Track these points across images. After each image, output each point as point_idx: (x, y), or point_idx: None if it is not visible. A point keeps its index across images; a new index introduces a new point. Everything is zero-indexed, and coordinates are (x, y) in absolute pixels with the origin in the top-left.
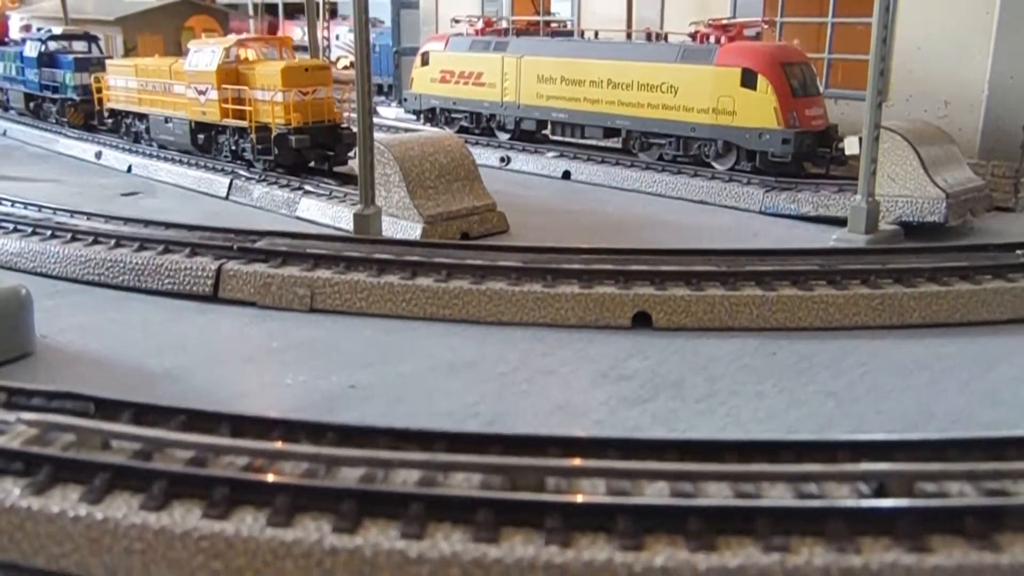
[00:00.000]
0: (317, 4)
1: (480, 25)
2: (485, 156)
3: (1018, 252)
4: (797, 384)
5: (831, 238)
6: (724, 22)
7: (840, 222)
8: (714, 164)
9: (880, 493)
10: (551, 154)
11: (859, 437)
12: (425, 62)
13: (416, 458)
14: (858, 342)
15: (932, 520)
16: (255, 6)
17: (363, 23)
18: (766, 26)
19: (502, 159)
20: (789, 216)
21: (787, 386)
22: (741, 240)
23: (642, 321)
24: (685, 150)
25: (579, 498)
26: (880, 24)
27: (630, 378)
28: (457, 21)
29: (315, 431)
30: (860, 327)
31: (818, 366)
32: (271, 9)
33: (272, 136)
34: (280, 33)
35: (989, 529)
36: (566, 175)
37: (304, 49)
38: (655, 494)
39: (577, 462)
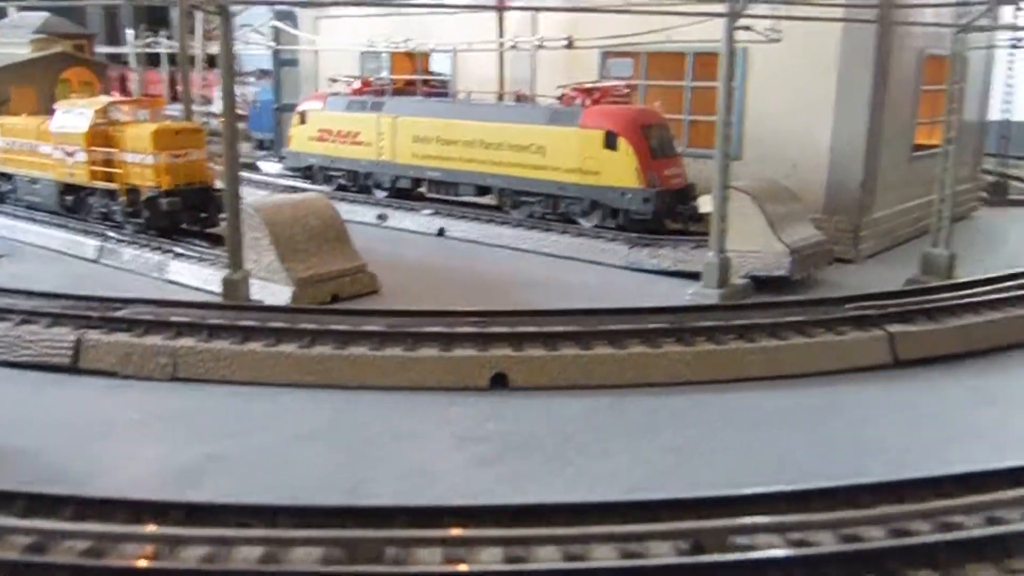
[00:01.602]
0: (192, 58)
1: (357, 85)
2: (362, 214)
3: (847, 306)
4: (643, 441)
5: (687, 292)
6: (589, 85)
7: (697, 276)
8: (581, 221)
9: (697, 549)
10: (427, 212)
11: (681, 496)
12: (303, 120)
13: (258, 535)
14: (704, 396)
15: (741, 571)
16: (137, 56)
17: (229, 87)
18: (627, 90)
19: (379, 217)
20: (651, 271)
21: (633, 443)
22: (604, 296)
23: (500, 382)
24: (554, 208)
25: (412, 568)
26: (725, 91)
27: (485, 440)
28: (335, 81)
29: (161, 510)
30: (707, 382)
31: (664, 422)
32: (153, 60)
33: (142, 198)
34: (145, 84)
35: None
36: (441, 232)
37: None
38: (490, 559)
39: (416, 532)
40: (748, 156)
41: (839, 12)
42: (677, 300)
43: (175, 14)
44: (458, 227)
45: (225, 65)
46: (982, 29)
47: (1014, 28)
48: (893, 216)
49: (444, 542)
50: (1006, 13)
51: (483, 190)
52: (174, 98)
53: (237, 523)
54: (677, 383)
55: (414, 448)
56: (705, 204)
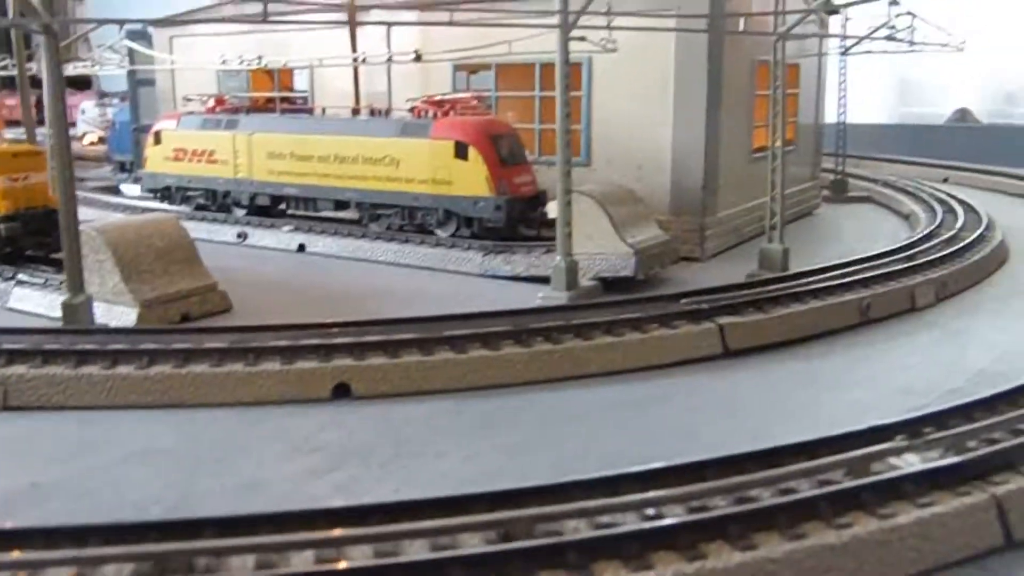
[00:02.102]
0: (35, 78)
1: (211, 103)
2: (222, 233)
3: (683, 301)
4: (477, 440)
5: (538, 296)
6: (439, 98)
7: (549, 280)
8: (437, 232)
9: (506, 539)
10: (287, 228)
11: (494, 489)
12: (158, 141)
13: (66, 555)
14: (540, 395)
15: (537, 558)
16: None
17: (58, 110)
18: (475, 101)
19: (239, 235)
20: (506, 277)
21: (467, 443)
22: (458, 303)
23: (342, 392)
24: (410, 219)
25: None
26: (562, 100)
27: (321, 449)
28: (189, 100)
29: None
30: (545, 380)
31: (500, 421)
32: (9, 83)
33: None
34: None
35: (588, 561)
36: (301, 248)
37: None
38: (302, 563)
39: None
40: (597, 161)
41: (672, 22)
42: (529, 304)
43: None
44: (318, 243)
45: (52, 86)
46: (798, 37)
47: (829, 36)
48: (737, 215)
49: (255, 549)
50: (835, 22)
51: (342, 205)
52: (40, 122)
53: (45, 546)
54: (516, 384)
55: (247, 462)
56: (554, 210)
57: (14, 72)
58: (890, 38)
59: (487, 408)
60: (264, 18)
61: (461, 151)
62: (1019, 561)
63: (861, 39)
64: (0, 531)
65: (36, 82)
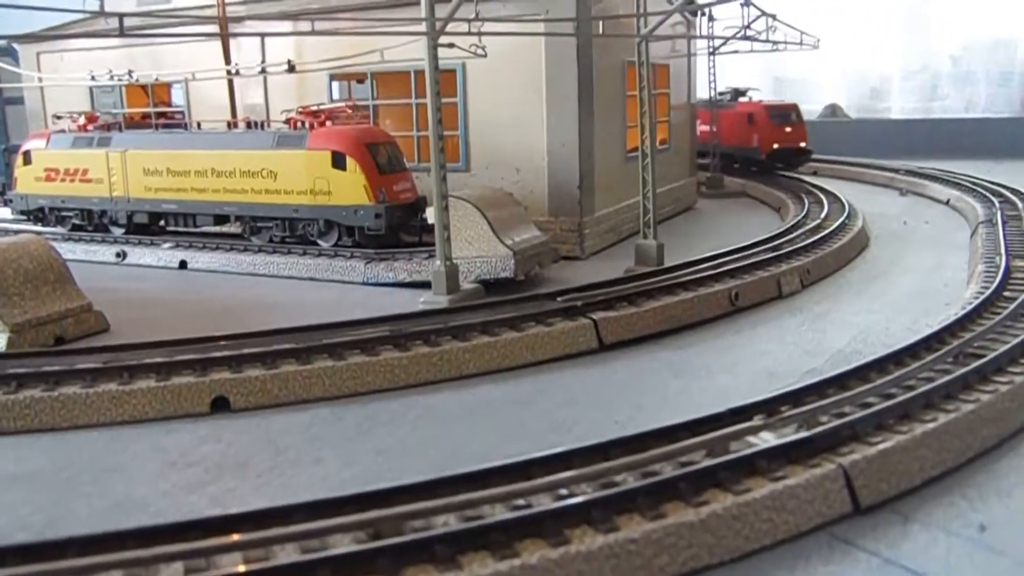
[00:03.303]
0: None
1: (82, 121)
2: (101, 253)
3: (559, 299)
4: (355, 445)
5: (419, 301)
6: (314, 108)
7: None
8: (319, 242)
9: (376, 537)
10: (167, 245)
11: (361, 490)
12: (28, 161)
13: None
14: (418, 398)
15: (406, 553)
16: None
17: None
18: (349, 110)
19: (118, 254)
20: (389, 284)
21: (346, 449)
22: (341, 312)
23: (221, 406)
24: (291, 231)
25: None
26: (433, 106)
27: (197, 464)
28: (59, 117)
29: None
30: (424, 383)
31: (378, 425)
32: None
33: None
34: None
35: (456, 552)
36: (183, 265)
37: None
38: (172, 574)
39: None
40: (476, 166)
41: (540, 27)
42: (411, 310)
43: None
44: (200, 258)
45: None
46: (660, 38)
47: (692, 37)
48: (615, 213)
49: (122, 564)
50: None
51: (222, 219)
52: None
53: None
54: (395, 388)
55: (121, 481)
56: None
57: None
58: (748, 38)
59: (366, 413)
60: (121, 32)
61: (338, 161)
62: (866, 526)
63: (726, 40)
64: None
65: None
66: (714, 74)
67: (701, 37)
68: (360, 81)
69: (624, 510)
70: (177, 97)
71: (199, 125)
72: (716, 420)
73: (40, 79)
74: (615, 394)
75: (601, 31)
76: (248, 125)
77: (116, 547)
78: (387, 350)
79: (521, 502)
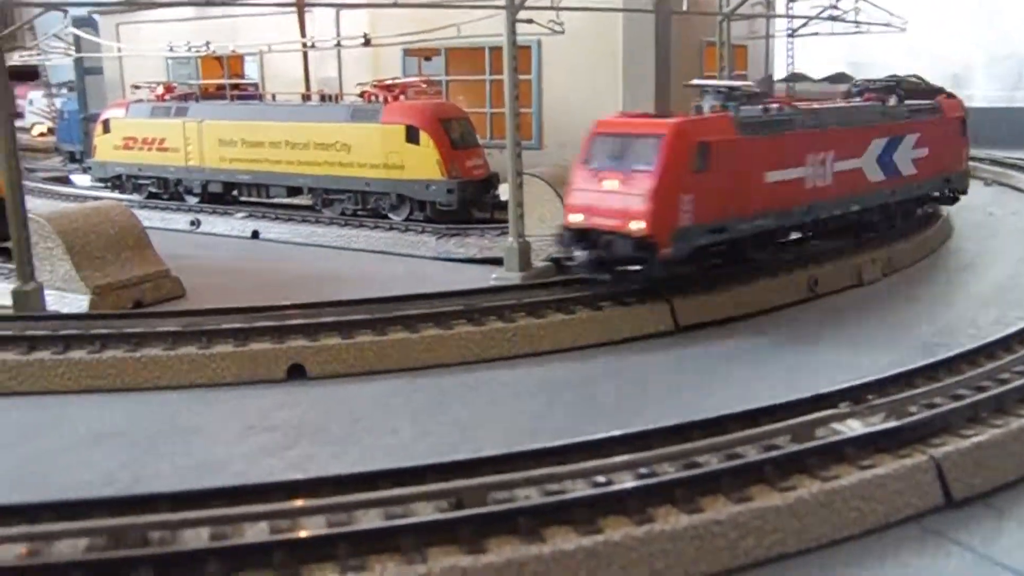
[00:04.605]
0: None
1: (160, 91)
2: (175, 221)
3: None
4: (430, 416)
5: (491, 277)
6: (388, 82)
7: (502, 262)
8: (390, 216)
9: (459, 506)
10: (240, 215)
11: (444, 460)
12: (107, 129)
13: (17, 531)
14: (492, 372)
15: (489, 524)
16: None
17: (2, 98)
18: (424, 85)
19: (192, 223)
20: (459, 260)
21: (420, 419)
22: (411, 286)
23: (297, 373)
24: (363, 204)
25: (172, 548)
26: (511, 82)
27: (275, 428)
28: (137, 87)
29: None
30: (497, 358)
31: (453, 398)
32: None
33: None
34: None
35: (539, 525)
36: (255, 235)
37: None
38: (256, 534)
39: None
40: (549, 144)
41: (620, 2)
42: (482, 285)
43: None
44: (272, 229)
45: None
46: (743, 17)
47: (774, 16)
48: None
49: (209, 521)
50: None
51: (295, 191)
52: None
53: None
54: (468, 362)
55: (201, 442)
56: (506, 192)
57: None
58: (834, 18)
59: (440, 386)
60: (207, 1)
61: (412, 135)
62: (959, 519)
63: (808, 20)
64: None
65: None
66: (792, 55)
67: (786, 16)
68: (427, 58)
69: (708, 491)
70: (250, 69)
71: (274, 97)
72: (800, 405)
73: (119, 49)
74: (690, 376)
75: (685, 7)
76: (322, 98)
77: (203, 505)
78: (461, 324)
79: (601, 479)
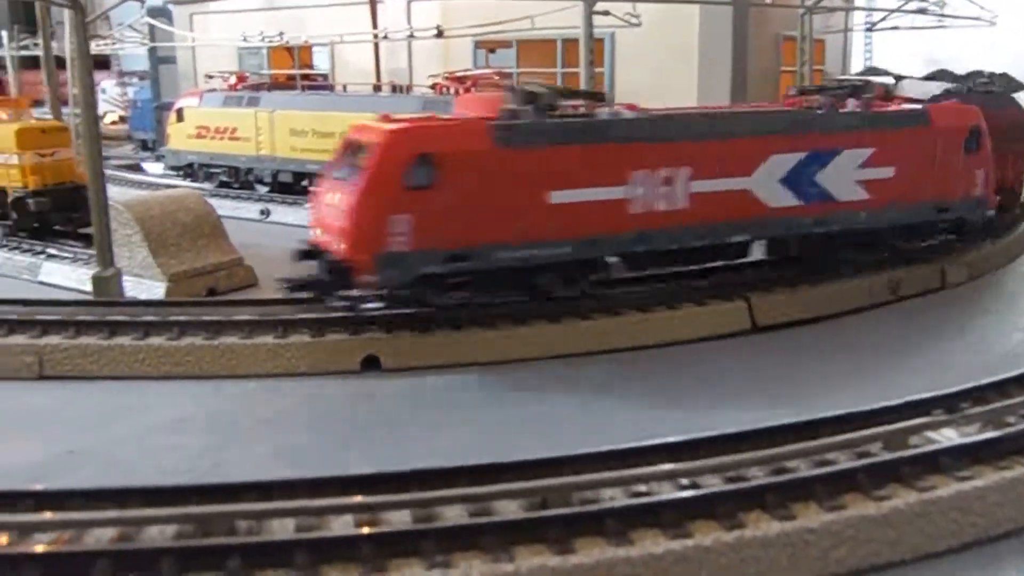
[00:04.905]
0: (58, 58)
1: (233, 80)
2: (246, 210)
3: (710, 278)
4: (505, 411)
5: None
6: (460, 74)
7: None
8: None
9: (543, 506)
10: (310, 205)
11: (528, 458)
12: (180, 118)
13: (109, 516)
14: (568, 369)
15: (576, 524)
16: (12, 59)
17: (86, 86)
18: (497, 77)
19: (262, 212)
20: None
21: (495, 414)
22: None
23: (372, 365)
24: None
25: (260, 538)
26: (587, 76)
27: (350, 420)
28: (211, 77)
29: (9, 500)
30: (573, 355)
31: (528, 393)
32: (34, 62)
33: (9, 200)
34: (22, 87)
35: (626, 528)
36: None
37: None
38: (341, 526)
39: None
40: None
41: None
42: None
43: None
44: None
45: (80, 63)
46: (825, 10)
47: (857, 9)
48: None
49: (295, 512)
50: None
51: None
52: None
53: (88, 507)
54: (543, 357)
55: (277, 431)
56: None
57: (35, 52)
58: (922, 11)
59: (515, 381)
60: None
61: None
62: None
63: (890, 12)
64: (43, 493)
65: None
66: (870, 51)
67: (870, 10)
68: (491, 50)
69: (800, 498)
70: (319, 60)
71: (345, 88)
72: (891, 412)
73: (193, 39)
74: (769, 377)
75: None
76: (393, 89)
77: (288, 495)
78: (538, 321)
79: (685, 481)
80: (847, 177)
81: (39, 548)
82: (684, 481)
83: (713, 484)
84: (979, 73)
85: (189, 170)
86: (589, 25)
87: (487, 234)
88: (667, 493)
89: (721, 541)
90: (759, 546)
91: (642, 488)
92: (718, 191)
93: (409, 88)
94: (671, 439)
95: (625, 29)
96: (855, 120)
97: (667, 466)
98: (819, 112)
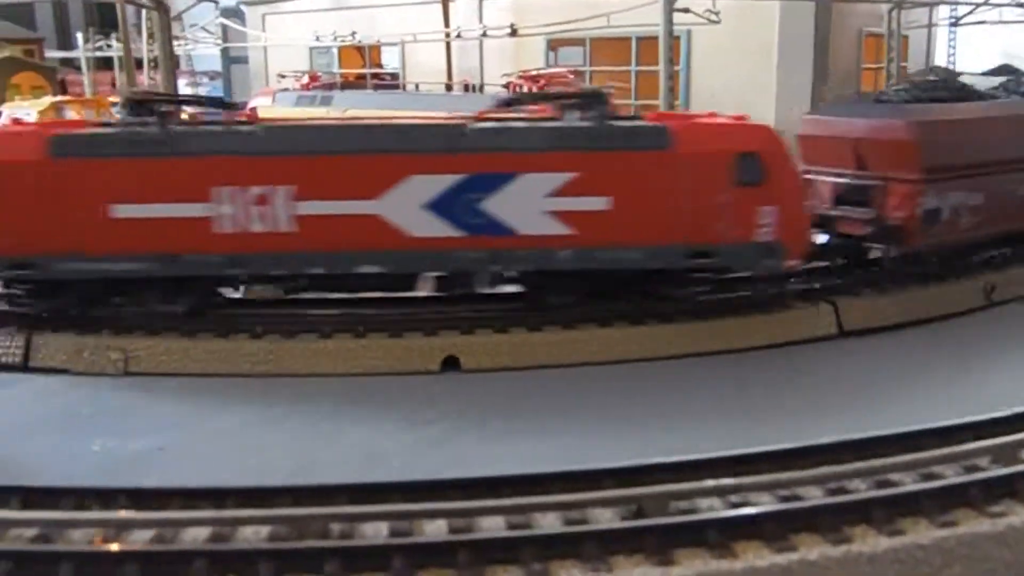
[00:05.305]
0: (139, 59)
1: (305, 80)
2: None
3: (792, 280)
4: (591, 414)
5: None
6: (534, 73)
7: None
8: None
9: (639, 514)
10: None
11: (622, 464)
12: None
13: (204, 516)
14: (653, 372)
15: (675, 535)
16: (88, 60)
17: (171, 85)
18: (571, 76)
19: None
20: None
21: (581, 417)
22: None
23: (452, 365)
24: None
25: (357, 542)
26: (666, 73)
27: (434, 421)
28: (283, 76)
29: (107, 497)
30: (657, 358)
31: (614, 396)
32: (106, 63)
33: None
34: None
35: (728, 539)
36: None
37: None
38: (434, 532)
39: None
40: None
41: None
42: None
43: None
44: None
45: (164, 56)
46: (916, 4)
47: (946, 3)
48: None
49: (389, 516)
50: None
51: None
52: None
53: (183, 506)
54: (626, 360)
55: (363, 431)
56: None
57: (108, 53)
58: (1020, 4)
59: (600, 384)
60: None
61: None
62: None
63: (978, 5)
64: (140, 490)
65: (118, 63)
66: (954, 47)
67: (956, 3)
68: (552, 49)
69: (908, 513)
70: (387, 59)
71: (417, 87)
72: (999, 423)
73: (265, 39)
74: (859, 384)
75: None
76: (465, 88)
77: (379, 499)
78: (620, 323)
79: (785, 492)
80: (532, 207)
81: (136, 547)
82: (784, 492)
83: (814, 496)
84: None
85: None
86: (669, 22)
87: (45, 245)
88: (767, 504)
89: (827, 556)
90: (867, 562)
91: (738, 499)
92: (334, 215)
93: (482, 87)
94: (769, 448)
95: (702, 27)
96: (539, 138)
97: (766, 476)
98: (481, 127)
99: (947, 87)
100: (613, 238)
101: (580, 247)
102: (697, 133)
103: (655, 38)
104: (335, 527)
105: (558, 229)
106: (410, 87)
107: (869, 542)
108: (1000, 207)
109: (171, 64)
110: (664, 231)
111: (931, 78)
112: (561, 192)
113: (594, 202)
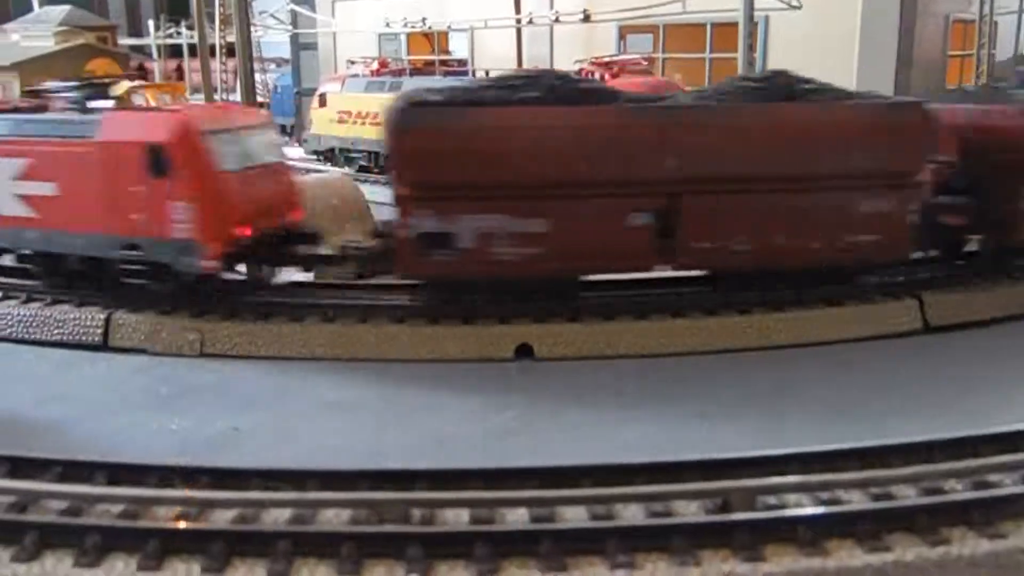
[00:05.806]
0: (213, 45)
1: (375, 66)
2: (383, 194)
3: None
4: (668, 406)
5: None
6: (607, 59)
7: None
8: None
9: (724, 509)
10: None
11: (707, 456)
12: (323, 103)
13: (286, 497)
14: (729, 364)
15: (764, 530)
16: (158, 48)
17: (247, 71)
18: (645, 63)
19: None
20: None
21: (658, 408)
22: None
23: (525, 352)
24: None
25: (439, 528)
26: (745, 61)
27: (507, 409)
28: (353, 62)
29: (191, 475)
30: (731, 350)
31: (690, 388)
32: (175, 51)
33: None
34: (166, 74)
35: (819, 537)
36: None
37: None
38: (515, 520)
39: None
40: None
41: None
42: None
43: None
44: None
45: (241, 40)
46: None
47: None
48: None
49: (470, 503)
50: None
51: None
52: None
53: (264, 487)
54: (699, 352)
55: (437, 418)
56: None
57: (178, 40)
58: None
59: (675, 375)
60: None
61: None
62: None
63: None
64: (222, 470)
65: (187, 51)
66: None
67: None
68: (622, 36)
69: (1008, 515)
70: (455, 45)
71: (487, 73)
72: None
73: (335, 25)
74: (945, 381)
75: None
76: None
77: (460, 485)
78: (694, 314)
79: (876, 491)
80: (4, 189)
81: (221, 526)
82: (875, 490)
83: (907, 495)
84: None
85: (329, 154)
86: (750, 7)
87: None
88: (858, 503)
89: (924, 557)
90: (966, 565)
91: (827, 496)
92: None
93: None
94: (858, 444)
95: (781, 13)
96: (5, 126)
97: (856, 474)
98: None
99: None
100: (64, 224)
101: (43, 230)
102: (119, 123)
103: (732, 24)
104: (416, 512)
105: (27, 212)
106: (480, 74)
107: (968, 544)
108: None
109: (249, 51)
110: (102, 221)
111: None
112: (23, 176)
113: (46, 188)
